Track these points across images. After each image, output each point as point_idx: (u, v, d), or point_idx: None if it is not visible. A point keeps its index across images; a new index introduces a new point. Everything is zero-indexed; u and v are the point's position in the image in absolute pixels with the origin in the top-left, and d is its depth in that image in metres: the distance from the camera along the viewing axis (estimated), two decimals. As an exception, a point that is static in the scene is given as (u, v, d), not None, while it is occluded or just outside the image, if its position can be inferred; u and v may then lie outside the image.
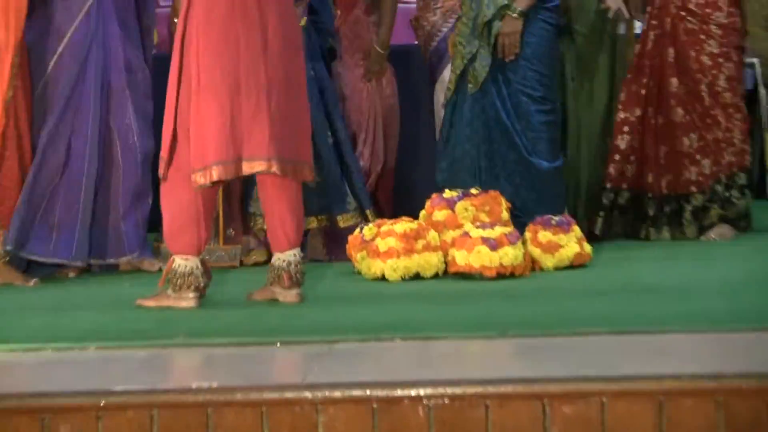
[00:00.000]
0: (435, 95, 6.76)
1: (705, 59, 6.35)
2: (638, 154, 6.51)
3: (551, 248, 5.62)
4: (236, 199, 6.24)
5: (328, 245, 6.23)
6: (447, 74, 6.50)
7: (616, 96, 6.58)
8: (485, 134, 6.17)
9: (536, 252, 5.62)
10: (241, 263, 6.18)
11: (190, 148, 4.88)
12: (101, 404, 3.43)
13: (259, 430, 3.41)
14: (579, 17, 6.48)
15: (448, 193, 5.76)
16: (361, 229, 5.68)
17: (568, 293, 5.16)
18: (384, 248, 5.47)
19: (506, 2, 6.00)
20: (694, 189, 6.40)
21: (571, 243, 5.66)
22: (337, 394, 3.43)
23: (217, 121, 4.83)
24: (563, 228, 5.68)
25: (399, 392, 3.42)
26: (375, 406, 3.40)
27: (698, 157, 6.38)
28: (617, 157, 6.51)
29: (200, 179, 4.84)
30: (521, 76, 6.14)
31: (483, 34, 6.08)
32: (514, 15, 6.00)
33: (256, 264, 6.14)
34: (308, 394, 3.43)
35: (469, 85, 6.15)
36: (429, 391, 3.41)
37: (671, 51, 6.39)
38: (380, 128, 6.69)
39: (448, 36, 6.57)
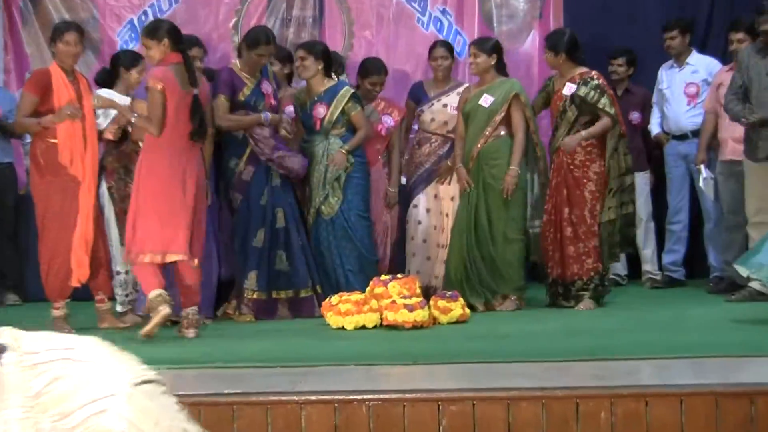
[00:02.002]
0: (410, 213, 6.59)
1: (587, 195, 6.07)
2: (552, 257, 6.20)
3: (445, 311, 5.56)
4: None
5: (292, 309, 6.01)
6: (414, 202, 6.49)
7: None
8: (337, 243, 6.16)
9: (436, 313, 5.55)
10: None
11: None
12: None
13: (265, 421, 3.39)
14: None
15: (383, 277, 5.72)
16: (330, 298, 5.60)
17: (455, 337, 5.06)
18: (344, 309, 5.41)
19: (352, 160, 6.10)
20: (576, 277, 6.08)
21: (457, 308, 5.59)
22: (313, 398, 3.46)
23: None
24: (453, 299, 5.63)
25: (351, 397, 3.44)
26: (336, 405, 3.42)
27: (582, 258, 6.08)
28: (547, 259, 6.19)
29: None
30: (356, 204, 6.18)
31: (334, 184, 6.12)
32: (342, 150, 6.09)
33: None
34: (296, 398, 3.45)
35: (324, 214, 6.13)
36: (370, 396, 3.43)
37: (564, 191, 6.10)
38: (388, 234, 6.53)
39: (418, 180, 6.50)
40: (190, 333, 5.10)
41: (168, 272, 5.17)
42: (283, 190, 6.06)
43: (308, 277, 6.04)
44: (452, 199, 6.54)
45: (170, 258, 4.99)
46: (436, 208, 6.55)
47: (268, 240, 5.99)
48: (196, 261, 5.14)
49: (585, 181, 6.11)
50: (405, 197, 6.63)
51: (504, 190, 6.14)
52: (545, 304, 6.23)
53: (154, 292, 4.94)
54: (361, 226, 6.24)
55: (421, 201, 6.54)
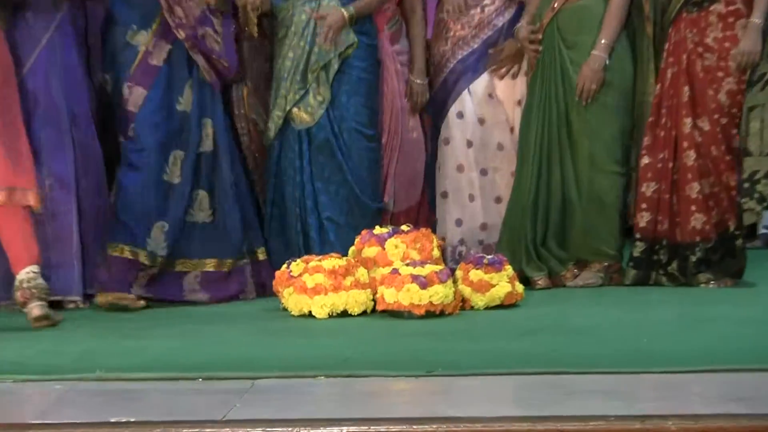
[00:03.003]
0: (444, 129, 6.66)
1: (723, 98, 6.09)
2: (658, 201, 6.23)
3: (482, 287, 5.63)
4: None
5: (211, 288, 6.08)
6: (455, 108, 6.56)
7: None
8: (314, 171, 6.28)
9: (467, 291, 5.63)
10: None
11: None
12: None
13: (177, 467, 3.42)
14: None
15: (378, 230, 5.80)
16: (289, 264, 5.66)
17: (498, 332, 5.15)
18: (311, 284, 5.48)
19: (355, 39, 6.22)
20: (698, 238, 6.14)
21: (502, 282, 5.66)
22: (258, 430, 3.44)
23: None
24: (495, 267, 5.68)
25: (321, 429, 3.43)
26: (296, 442, 3.43)
27: (710, 203, 6.13)
28: (644, 205, 6.24)
29: None
30: (355, 110, 6.30)
31: (320, 75, 6.21)
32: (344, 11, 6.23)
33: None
34: (229, 430, 3.44)
35: (299, 121, 6.25)
36: (353, 428, 3.42)
37: (686, 89, 6.10)
38: (399, 164, 6.61)
39: (457, 68, 6.58)
40: (34, 309, 5.11)
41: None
42: (213, 91, 6.10)
43: (242, 236, 6.10)
44: (519, 103, 6.57)
45: None
46: (494, 116, 6.56)
47: (188, 171, 6.00)
48: (31, 197, 5.13)
49: (721, 74, 6.08)
50: (432, 101, 6.67)
51: (578, 90, 6.15)
52: (630, 281, 6.29)
53: None
54: (359, 149, 6.31)
55: (467, 105, 6.56)
